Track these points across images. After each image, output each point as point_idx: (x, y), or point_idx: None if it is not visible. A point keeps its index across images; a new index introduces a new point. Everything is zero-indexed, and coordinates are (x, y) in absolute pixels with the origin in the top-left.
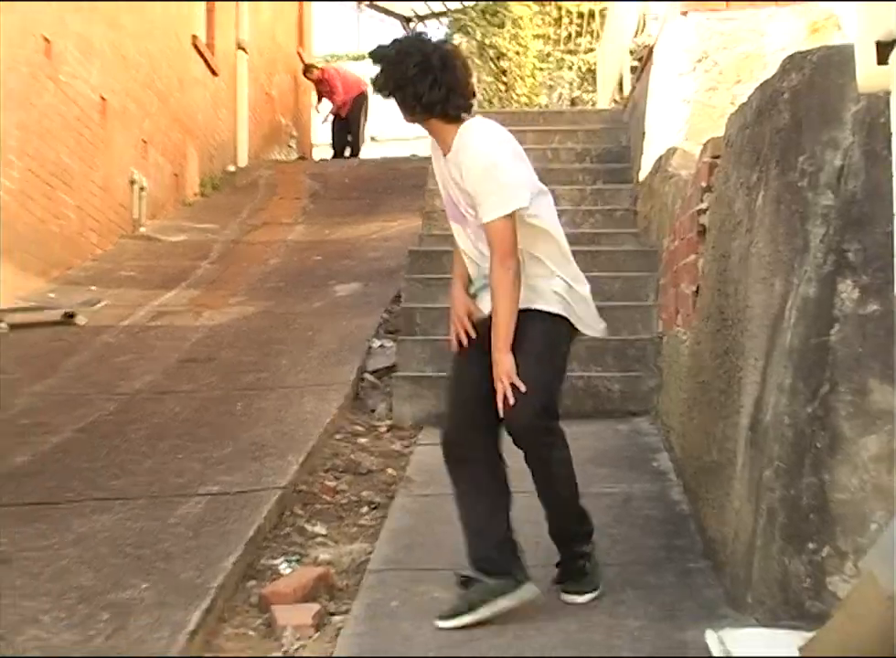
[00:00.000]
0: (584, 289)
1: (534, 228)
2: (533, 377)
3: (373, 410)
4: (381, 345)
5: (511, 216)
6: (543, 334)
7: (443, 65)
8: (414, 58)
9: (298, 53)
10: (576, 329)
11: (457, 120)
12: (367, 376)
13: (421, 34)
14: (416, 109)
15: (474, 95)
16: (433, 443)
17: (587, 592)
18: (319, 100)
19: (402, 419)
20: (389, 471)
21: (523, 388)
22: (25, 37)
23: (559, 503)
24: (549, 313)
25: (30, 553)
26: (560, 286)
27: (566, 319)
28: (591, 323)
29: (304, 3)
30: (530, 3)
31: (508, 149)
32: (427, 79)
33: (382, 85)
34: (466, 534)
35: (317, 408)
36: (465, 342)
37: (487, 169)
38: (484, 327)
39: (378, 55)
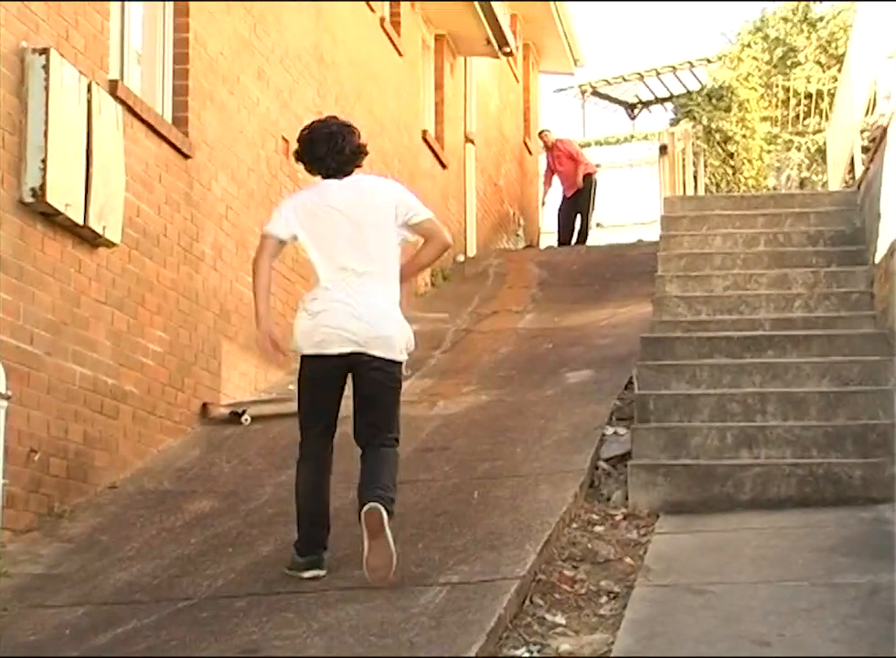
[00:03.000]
0: (316, 304)
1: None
2: None
3: (608, 498)
4: (615, 433)
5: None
6: None
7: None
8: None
9: (524, 143)
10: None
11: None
12: (601, 463)
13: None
14: None
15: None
16: (672, 532)
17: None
18: (549, 174)
19: (638, 507)
20: (627, 560)
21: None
22: (265, 139)
23: None
24: None
25: (279, 642)
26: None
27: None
28: (306, 342)
29: (530, 95)
30: (756, 86)
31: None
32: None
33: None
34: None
35: (553, 497)
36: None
37: None
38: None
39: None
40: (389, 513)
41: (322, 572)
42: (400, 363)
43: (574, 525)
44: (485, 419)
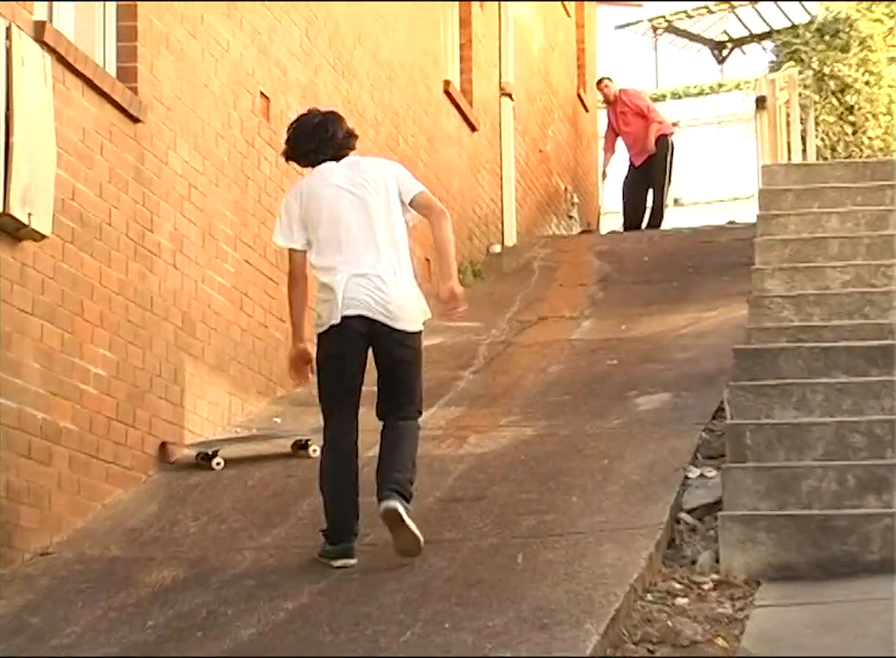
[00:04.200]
0: (330, 282)
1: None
2: None
3: (693, 561)
4: (701, 475)
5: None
6: None
7: None
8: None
9: (578, 97)
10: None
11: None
12: (683, 515)
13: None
14: None
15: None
16: (777, 604)
17: None
18: (611, 136)
19: (733, 571)
20: (720, 641)
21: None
22: (238, 95)
23: None
24: None
25: None
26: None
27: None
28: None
29: (585, 34)
30: (882, 17)
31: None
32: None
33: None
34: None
35: (620, 560)
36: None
37: None
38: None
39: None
40: (407, 501)
41: (352, 561)
42: (419, 333)
43: (649, 597)
44: (531, 460)
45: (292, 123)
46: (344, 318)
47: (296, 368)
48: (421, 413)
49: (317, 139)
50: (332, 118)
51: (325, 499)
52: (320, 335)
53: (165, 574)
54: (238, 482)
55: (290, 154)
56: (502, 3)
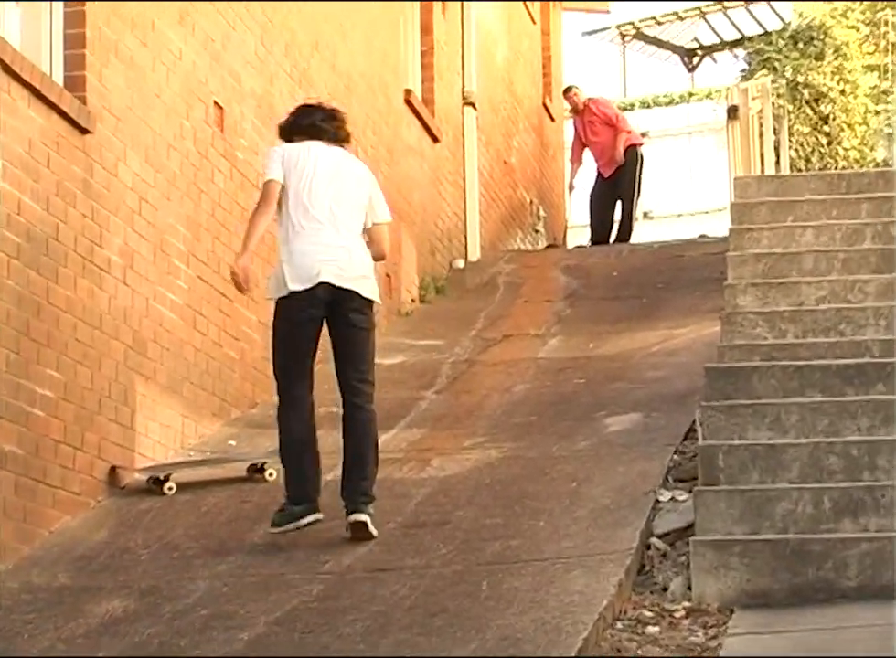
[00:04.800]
0: (292, 246)
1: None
2: None
3: (665, 588)
4: (672, 499)
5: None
6: None
7: None
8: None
9: (544, 106)
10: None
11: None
12: (654, 540)
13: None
14: None
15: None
16: (751, 632)
17: None
18: (579, 147)
19: (705, 598)
20: None
21: None
22: (191, 105)
23: None
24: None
25: None
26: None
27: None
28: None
29: (551, 41)
30: (858, 24)
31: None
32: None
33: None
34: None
35: (589, 587)
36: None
37: None
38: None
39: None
40: (372, 499)
41: (321, 516)
42: (373, 304)
43: (619, 626)
44: (496, 483)
45: (302, 104)
46: (307, 288)
47: (236, 284)
48: (373, 385)
49: (325, 117)
50: (342, 112)
51: (285, 460)
52: (280, 300)
53: (116, 603)
54: (191, 508)
55: (288, 126)
56: (465, 7)
